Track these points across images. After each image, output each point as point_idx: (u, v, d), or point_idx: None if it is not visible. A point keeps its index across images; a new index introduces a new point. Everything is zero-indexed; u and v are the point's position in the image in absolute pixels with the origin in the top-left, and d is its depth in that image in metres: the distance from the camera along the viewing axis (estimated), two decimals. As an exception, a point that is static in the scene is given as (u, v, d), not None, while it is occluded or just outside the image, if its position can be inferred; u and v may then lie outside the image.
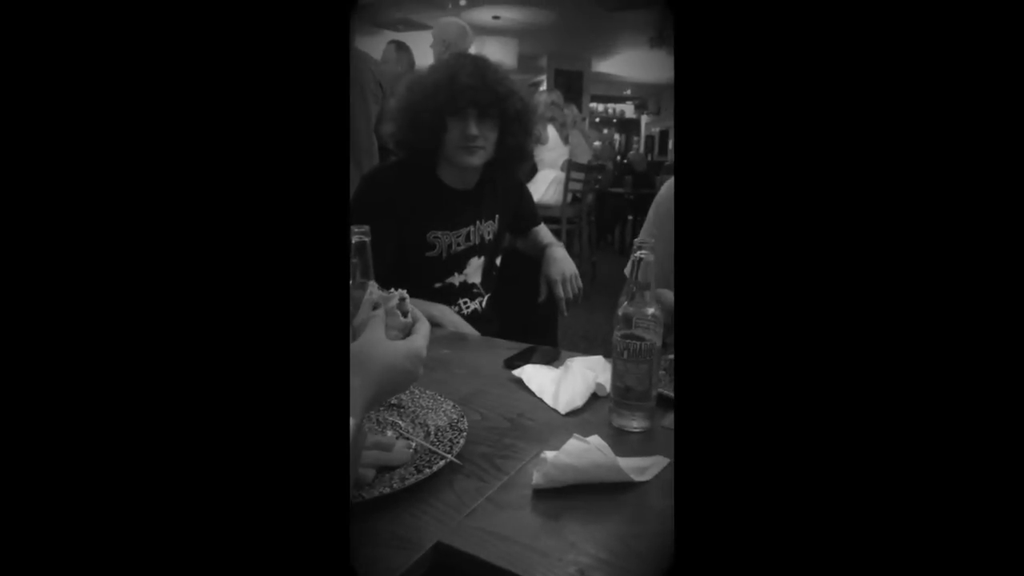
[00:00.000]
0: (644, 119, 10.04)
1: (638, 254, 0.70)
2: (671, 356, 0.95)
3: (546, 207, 3.58)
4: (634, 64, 7.94)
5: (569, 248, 3.99)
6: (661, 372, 0.89)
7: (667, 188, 1.26)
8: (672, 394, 0.76)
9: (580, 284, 1.32)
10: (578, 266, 1.38)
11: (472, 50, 2.55)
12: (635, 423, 0.72)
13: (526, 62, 6.71)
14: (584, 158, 4.04)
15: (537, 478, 0.58)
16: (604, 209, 5.28)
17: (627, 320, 0.70)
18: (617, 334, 0.71)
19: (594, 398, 0.80)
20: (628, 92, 9.53)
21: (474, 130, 1.15)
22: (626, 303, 0.71)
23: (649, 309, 0.71)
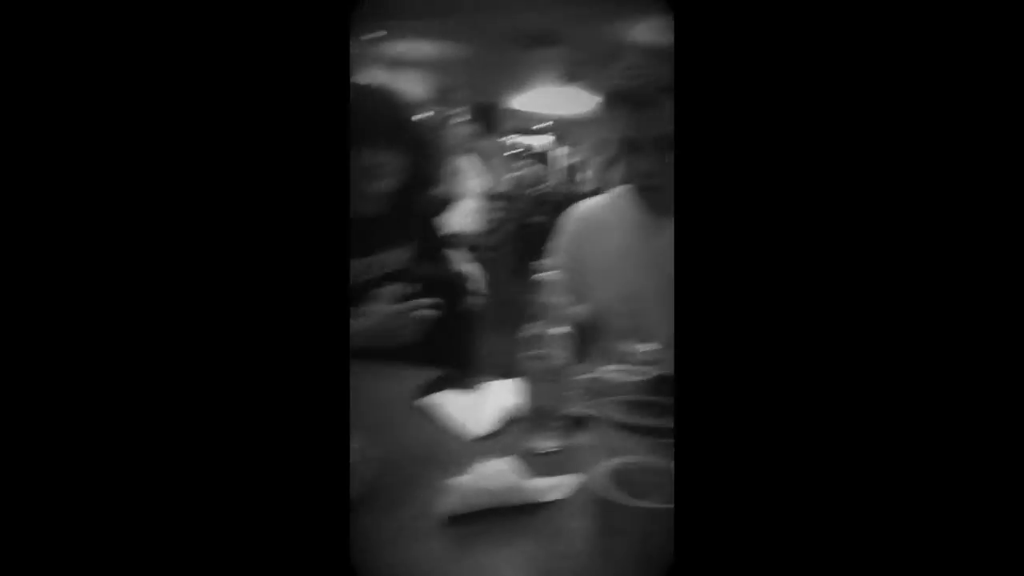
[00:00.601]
0: (559, 151, 10.41)
1: (543, 275, 0.71)
2: (591, 374, 0.96)
3: (466, 236, 3.60)
4: (549, 98, 8.23)
5: (491, 276, 4.02)
6: (578, 392, 0.91)
7: (575, 209, 1.30)
8: (589, 412, 0.77)
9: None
10: (499, 294, 1.39)
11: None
12: (546, 443, 0.72)
13: (445, 95, 6.81)
14: (503, 188, 4.12)
15: (449, 504, 0.57)
16: (523, 237, 5.38)
17: (535, 339, 0.71)
18: (525, 354, 0.71)
19: (507, 421, 0.80)
20: (543, 125, 9.87)
21: (377, 158, 1.16)
22: (532, 323, 0.72)
23: (557, 328, 0.72)
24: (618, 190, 1.18)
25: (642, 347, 0.96)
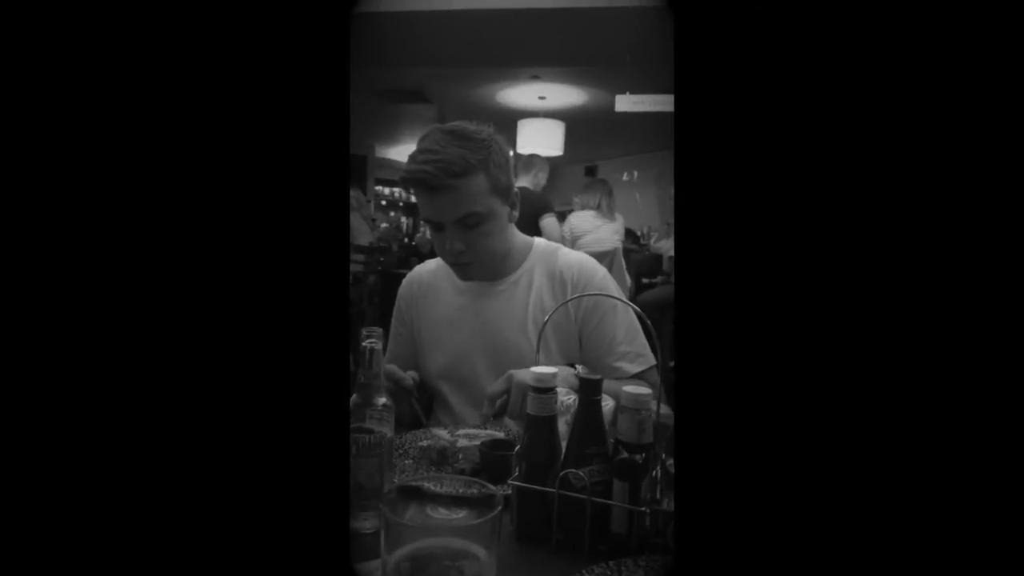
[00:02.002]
0: (431, 204, 10.52)
1: (366, 343, 0.69)
2: (422, 443, 0.94)
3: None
4: (419, 152, 8.34)
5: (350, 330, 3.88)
6: (408, 461, 0.88)
7: (412, 272, 1.29)
8: (412, 485, 0.74)
9: None
10: (357, 348, 1.33)
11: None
12: (368, 523, 0.67)
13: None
14: (365, 240, 4.03)
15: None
16: (389, 290, 5.28)
17: (358, 412, 0.68)
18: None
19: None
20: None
21: None
22: (355, 395, 0.69)
23: (380, 399, 0.69)
24: None
25: (446, 434, 0.95)
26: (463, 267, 1.09)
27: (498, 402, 0.91)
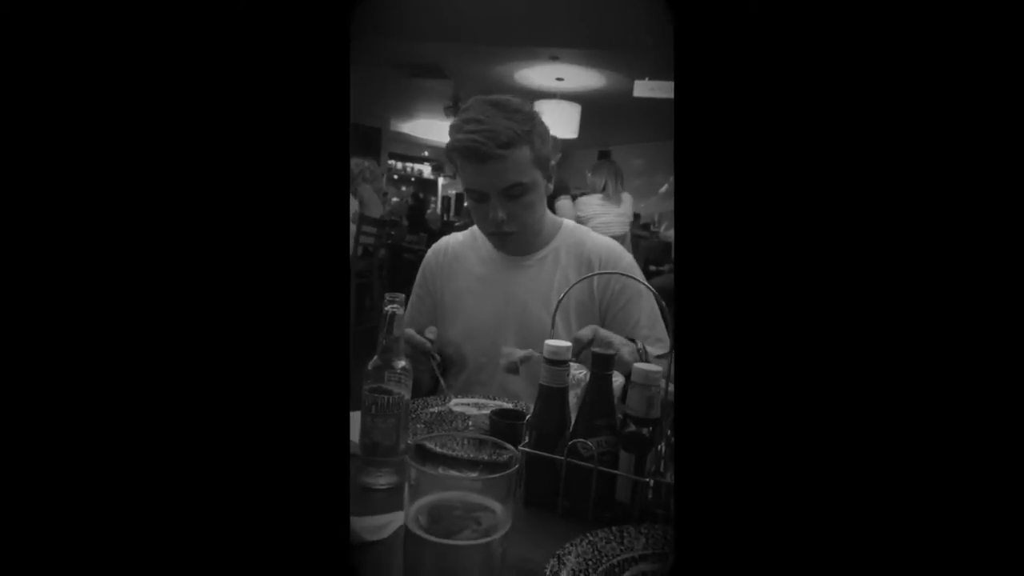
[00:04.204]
0: (441, 181, 10.47)
1: (388, 308, 0.71)
2: (437, 408, 0.96)
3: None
4: (432, 128, 8.30)
5: (359, 302, 3.90)
6: (420, 426, 0.90)
7: (439, 242, 1.32)
8: (428, 446, 0.77)
9: None
10: (362, 321, 1.36)
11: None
12: (382, 480, 0.71)
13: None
14: (376, 212, 4.05)
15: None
16: (397, 264, 5.31)
17: (377, 374, 0.70)
18: (365, 388, 0.70)
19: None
20: (426, 153, 9.91)
21: None
22: (376, 357, 0.71)
23: (399, 362, 0.71)
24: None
25: (517, 352, 0.97)
26: (502, 237, 1.11)
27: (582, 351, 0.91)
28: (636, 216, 4.24)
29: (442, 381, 1.06)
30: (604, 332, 0.94)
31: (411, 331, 1.04)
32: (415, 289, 1.28)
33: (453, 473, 0.54)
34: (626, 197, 3.73)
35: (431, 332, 1.06)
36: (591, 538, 0.61)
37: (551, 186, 1.13)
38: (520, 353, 0.96)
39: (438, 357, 1.06)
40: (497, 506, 0.45)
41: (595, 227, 3.50)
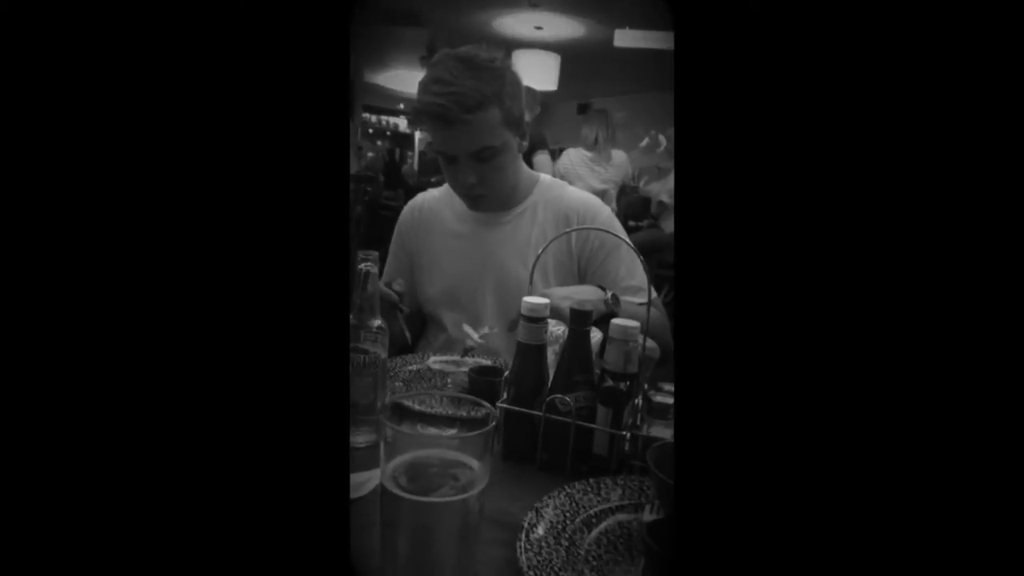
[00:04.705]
0: (418, 135, 10.22)
1: (362, 266, 0.70)
2: (415, 366, 0.96)
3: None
4: (408, 80, 8.04)
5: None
6: (398, 384, 0.90)
7: (415, 198, 1.29)
8: (406, 404, 0.77)
9: None
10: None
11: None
12: (360, 439, 0.71)
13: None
14: (350, 168, 3.95)
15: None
16: (375, 221, 5.23)
17: (352, 333, 0.69)
18: (342, 347, 0.69)
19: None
20: (402, 106, 9.63)
21: None
22: (351, 316, 0.70)
23: (375, 321, 0.71)
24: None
25: (474, 332, 0.98)
26: (475, 199, 1.09)
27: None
28: (635, 188, 3.93)
29: (407, 332, 1.05)
30: (559, 291, 0.93)
31: (380, 284, 1.03)
32: (391, 247, 1.27)
33: (430, 431, 0.54)
34: (619, 155, 3.59)
35: (398, 284, 1.05)
36: (568, 490, 0.62)
37: (525, 143, 1.10)
38: (474, 336, 0.96)
39: (405, 309, 1.05)
40: (474, 462, 0.45)
41: (578, 187, 3.42)
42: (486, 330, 0.98)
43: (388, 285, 1.03)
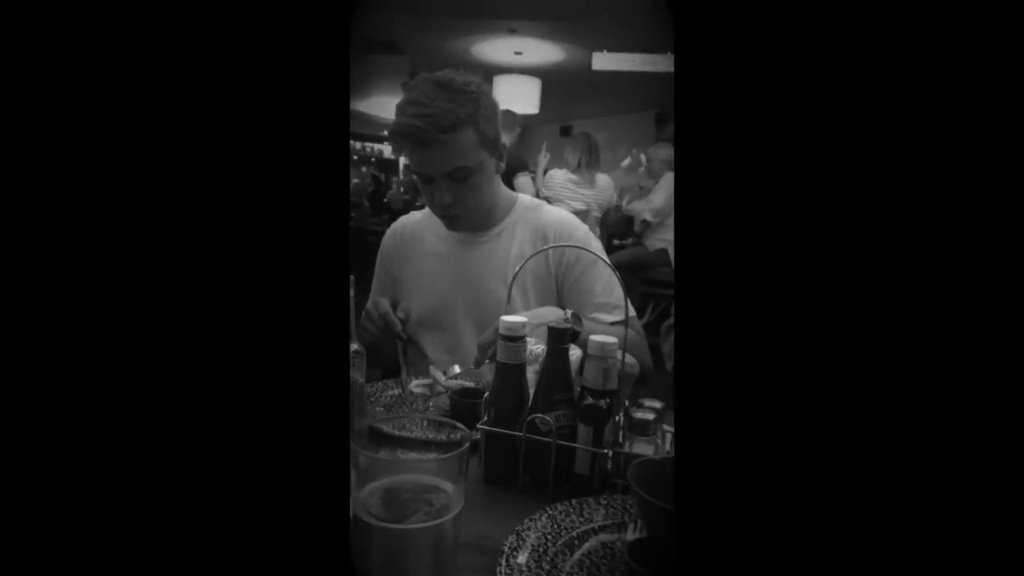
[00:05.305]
0: (402, 161, 10.28)
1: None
2: (395, 391, 0.95)
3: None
4: (390, 106, 8.12)
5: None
6: (379, 409, 0.89)
7: (398, 222, 1.29)
8: (384, 429, 0.76)
9: None
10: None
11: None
12: (338, 465, 0.69)
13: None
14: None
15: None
16: (361, 246, 5.22)
17: (328, 358, 0.69)
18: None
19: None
20: (385, 132, 9.71)
21: None
22: (326, 340, 0.69)
23: (352, 345, 0.70)
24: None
25: (441, 376, 0.97)
26: (451, 219, 1.10)
27: (489, 350, 0.93)
28: (618, 207, 3.86)
29: (403, 363, 1.05)
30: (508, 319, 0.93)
31: (387, 307, 1.02)
32: (376, 271, 1.26)
33: (399, 456, 0.53)
34: (603, 178, 3.59)
35: (403, 311, 1.04)
36: (551, 512, 0.61)
37: (502, 164, 1.11)
38: (441, 380, 0.96)
39: (405, 336, 1.05)
40: (448, 486, 0.45)
41: (562, 208, 3.41)
42: (456, 369, 0.98)
43: (394, 309, 1.02)
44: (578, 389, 0.70)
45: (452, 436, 0.60)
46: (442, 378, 0.96)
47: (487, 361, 0.95)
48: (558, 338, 0.69)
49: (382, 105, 8.21)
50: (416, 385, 0.96)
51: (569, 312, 0.96)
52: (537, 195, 3.39)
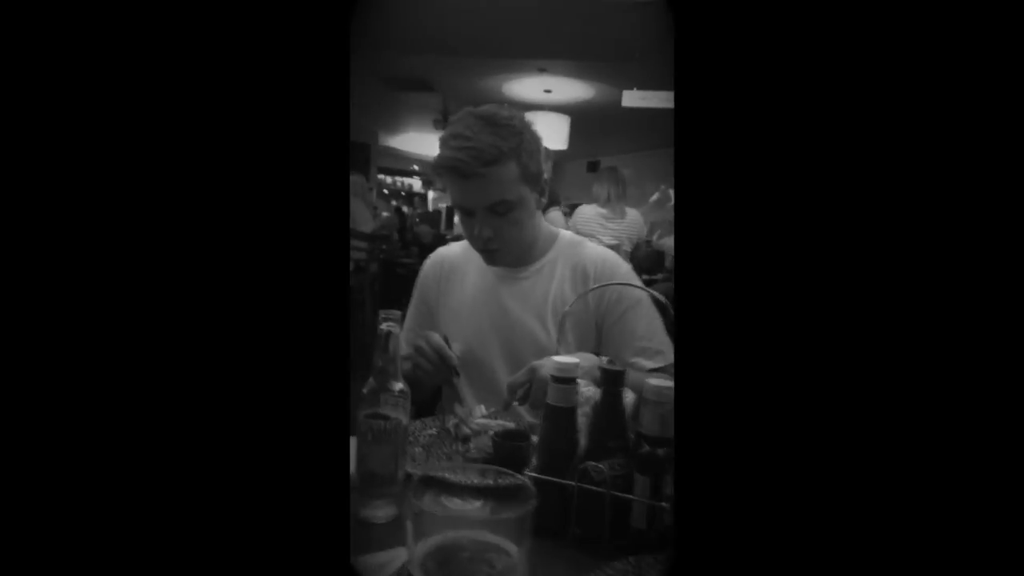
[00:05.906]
0: (431, 194, 10.44)
1: (383, 327, 0.67)
2: (432, 430, 0.92)
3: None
4: (421, 142, 8.28)
5: (351, 319, 3.85)
6: (418, 449, 0.86)
7: (435, 254, 1.28)
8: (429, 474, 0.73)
9: None
10: (360, 336, 1.32)
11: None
12: (380, 513, 0.66)
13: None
14: (367, 227, 4.01)
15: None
16: (389, 279, 5.26)
17: (372, 397, 0.66)
18: (361, 413, 0.65)
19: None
20: (415, 167, 9.89)
21: None
22: (371, 379, 0.67)
23: (397, 384, 0.67)
24: None
25: (479, 412, 0.94)
26: (491, 253, 1.08)
27: (519, 391, 0.90)
28: (648, 242, 3.87)
29: (460, 392, 1.02)
30: (543, 367, 0.89)
31: (440, 341, 0.99)
32: (413, 301, 1.25)
33: (459, 509, 0.49)
34: (632, 213, 3.59)
35: (458, 348, 1.02)
36: (607, 570, 0.57)
37: (544, 199, 1.09)
38: (471, 425, 0.92)
39: (460, 373, 1.01)
40: (512, 547, 0.41)
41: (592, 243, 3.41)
42: (482, 410, 0.94)
43: (447, 351, 0.99)
44: (633, 435, 0.66)
45: (500, 481, 0.57)
46: (471, 423, 0.92)
47: (515, 403, 0.91)
48: (613, 381, 0.65)
49: (414, 140, 8.38)
50: (454, 423, 0.92)
51: (604, 359, 0.92)
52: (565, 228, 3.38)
